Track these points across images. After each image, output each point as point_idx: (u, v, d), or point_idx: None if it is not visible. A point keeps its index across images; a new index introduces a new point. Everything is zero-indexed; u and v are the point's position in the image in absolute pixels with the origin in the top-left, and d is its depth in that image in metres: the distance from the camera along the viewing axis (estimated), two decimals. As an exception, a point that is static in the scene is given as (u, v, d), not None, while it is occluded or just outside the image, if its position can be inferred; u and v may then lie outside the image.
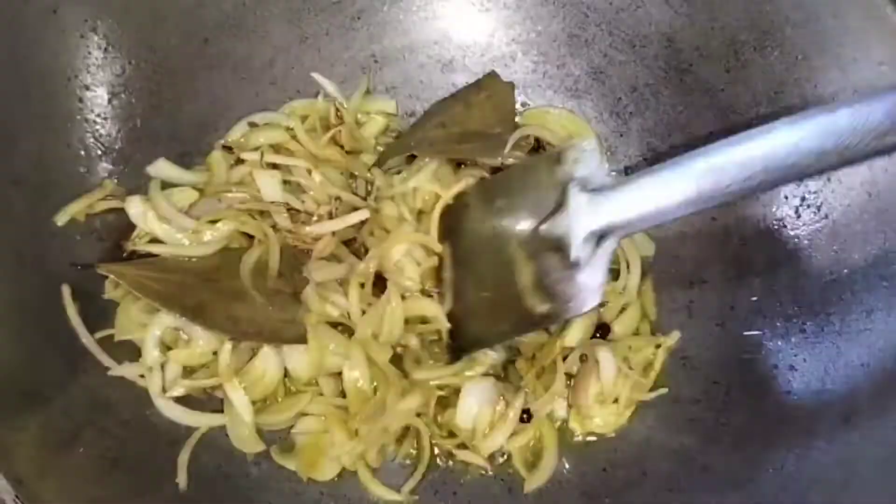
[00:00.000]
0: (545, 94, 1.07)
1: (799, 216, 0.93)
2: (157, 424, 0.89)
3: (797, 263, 0.93)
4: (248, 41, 1.02)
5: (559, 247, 0.82)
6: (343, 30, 1.05)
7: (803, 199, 0.93)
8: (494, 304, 0.89)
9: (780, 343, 0.92)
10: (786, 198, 0.94)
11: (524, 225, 0.87)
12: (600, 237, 0.80)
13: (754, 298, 0.94)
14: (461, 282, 0.93)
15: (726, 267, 0.97)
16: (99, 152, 0.95)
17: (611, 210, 0.79)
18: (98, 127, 0.94)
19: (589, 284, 0.81)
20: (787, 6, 0.90)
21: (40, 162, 0.89)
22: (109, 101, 0.95)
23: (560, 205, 0.83)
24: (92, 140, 0.94)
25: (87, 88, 0.94)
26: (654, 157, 1.02)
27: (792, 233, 0.93)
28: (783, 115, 0.92)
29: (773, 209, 0.94)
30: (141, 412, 0.89)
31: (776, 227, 0.94)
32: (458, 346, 0.92)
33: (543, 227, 0.84)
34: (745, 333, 0.94)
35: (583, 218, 0.80)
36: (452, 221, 0.95)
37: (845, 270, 0.88)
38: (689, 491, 0.88)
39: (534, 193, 0.87)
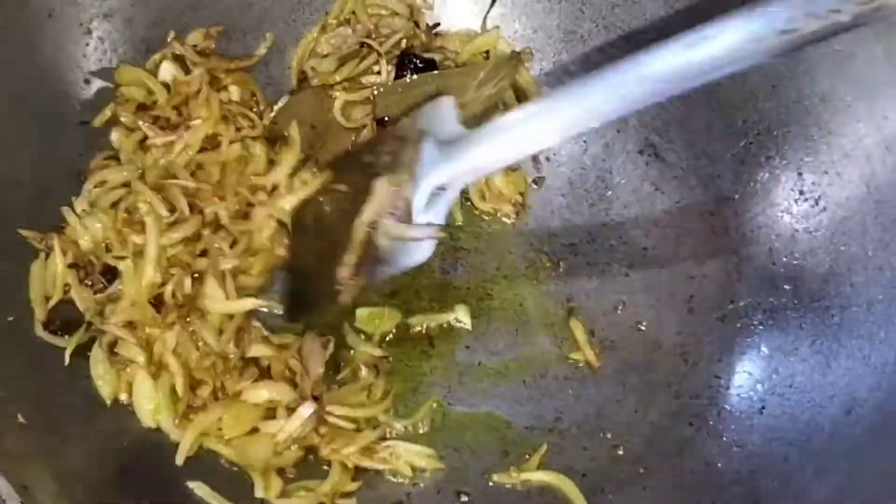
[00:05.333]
0: (542, 91, 1.07)
1: (798, 209, 0.94)
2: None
3: (796, 256, 0.93)
4: (244, 41, 1.02)
5: (404, 198, 0.82)
6: (338, 29, 1.05)
7: (801, 192, 0.93)
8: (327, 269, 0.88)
9: (781, 336, 0.92)
10: (784, 191, 0.94)
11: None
12: (441, 188, 0.82)
13: (754, 292, 0.95)
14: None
15: (726, 261, 0.97)
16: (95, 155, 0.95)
17: (456, 165, 0.81)
18: (94, 130, 0.94)
19: (422, 237, 0.83)
20: (782, 0, 0.90)
21: (38, 164, 0.89)
22: (105, 103, 0.95)
23: (408, 159, 0.83)
24: (89, 143, 0.94)
25: (84, 90, 0.94)
26: (652, 152, 1.02)
27: (791, 226, 0.94)
28: (781, 109, 0.94)
29: (772, 202, 0.95)
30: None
31: (775, 220, 0.95)
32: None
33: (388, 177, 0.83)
34: (746, 327, 0.95)
35: (431, 173, 0.82)
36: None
37: (845, 263, 0.89)
38: (692, 486, 0.88)
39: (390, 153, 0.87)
